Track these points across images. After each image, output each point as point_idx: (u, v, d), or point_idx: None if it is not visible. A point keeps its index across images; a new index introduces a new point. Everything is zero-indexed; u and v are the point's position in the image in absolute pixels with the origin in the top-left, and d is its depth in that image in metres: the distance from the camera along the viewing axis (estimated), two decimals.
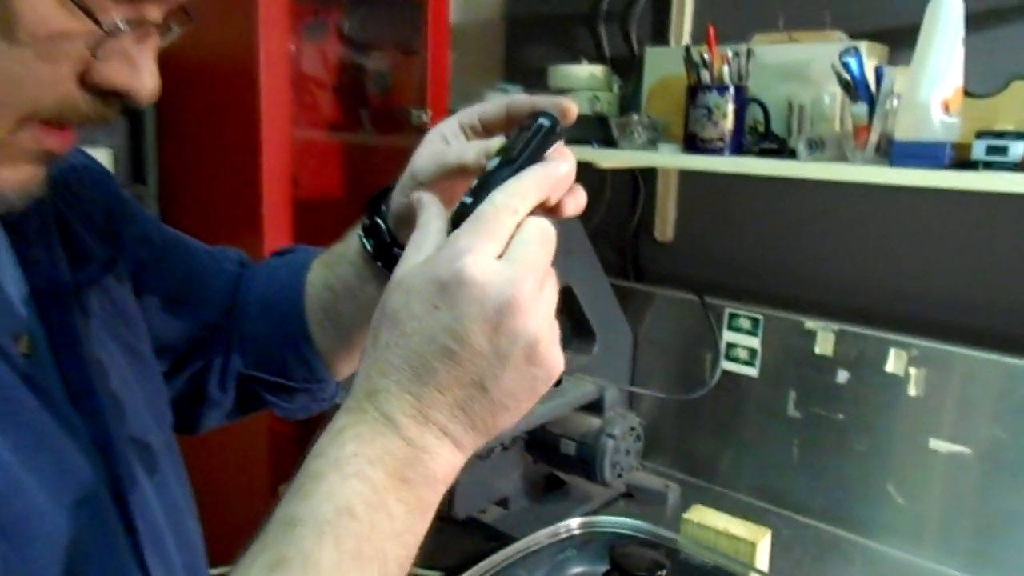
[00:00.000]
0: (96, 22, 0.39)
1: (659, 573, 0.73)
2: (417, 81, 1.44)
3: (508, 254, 0.43)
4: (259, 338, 0.70)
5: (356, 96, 1.56)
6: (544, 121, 0.48)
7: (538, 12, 1.72)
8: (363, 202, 0.64)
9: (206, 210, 1.35)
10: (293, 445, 1.27)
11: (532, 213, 0.46)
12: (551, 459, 1.27)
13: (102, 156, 1.33)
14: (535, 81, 1.52)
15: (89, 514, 0.47)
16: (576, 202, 0.50)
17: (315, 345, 0.68)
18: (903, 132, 1.01)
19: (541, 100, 0.52)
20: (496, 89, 1.46)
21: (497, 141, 0.51)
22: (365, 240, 0.62)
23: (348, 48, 1.54)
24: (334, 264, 0.66)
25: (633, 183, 1.58)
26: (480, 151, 0.52)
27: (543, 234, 0.45)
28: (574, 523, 0.93)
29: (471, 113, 0.57)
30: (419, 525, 0.43)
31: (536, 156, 0.48)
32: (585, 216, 1.57)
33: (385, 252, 0.61)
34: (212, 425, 0.73)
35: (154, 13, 0.42)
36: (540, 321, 0.43)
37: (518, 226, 0.44)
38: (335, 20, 1.50)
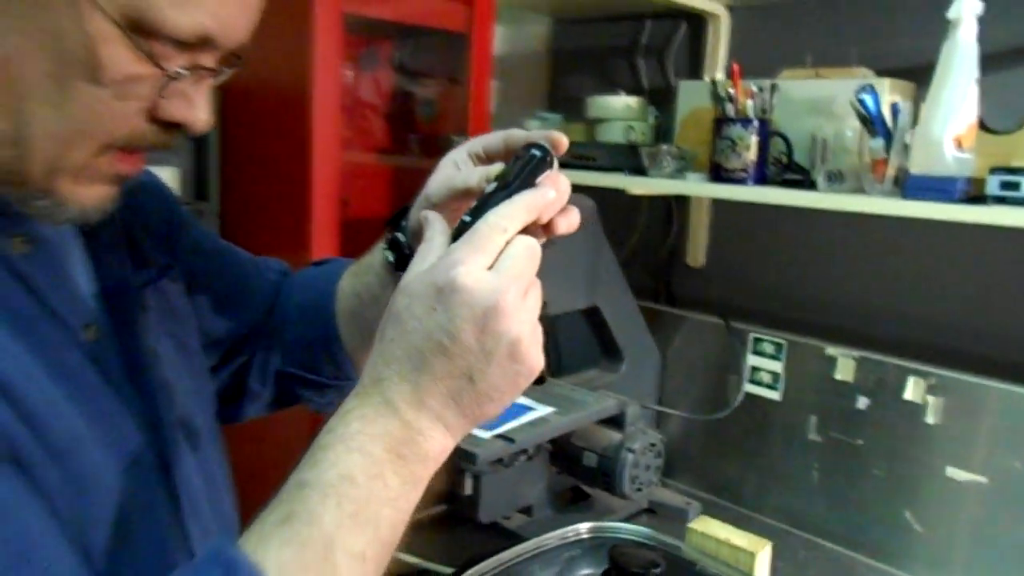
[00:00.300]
0: (162, 69, 0.48)
1: (654, 571, 0.78)
2: (461, 109, 1.53)
3: (497, 266, 0.51)
4: (295, 338, 0.78)
5: (405, 122, 1.65)
6: (536, 152, 0.56)
7: (581, 45, 1.80)
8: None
9: (261, 226, 1.45)
10: None
11: (527, 231, 0.54)
12: (574, 470, 1.32)
13: (169, 175, 1.43)
14: (575, 110, 1.60)
15: (138, 479, 0.55)
16: (568, 221, 0.58)
17: (344, 346, 0.76)
18: (917, 166, 1.04)
19: (535, 133, 0.59)
20: (535, 118, 1.54)
21: (497, 167, 0.58)
22: (387, 252, 0.69)
23: (398, 77, 1.63)
24: (361, 274, 0.74)
25: (667, 210, 1.63)
26: (482, 176, 0.59)
27: (528, 250, 0.52)
28: (583, 527, 0.98)
29: (477, 143, 0.64)
30: (411, 495, 0.50)
31: (529, 182, 0.55)
32: (619, 241, 1.63)
33: (405, 263, 0.68)
34: (252, 415, 0.82)
35: (209, 60, 0.51)
36: (522, 325, 0.50)
37: (508, 243, 0.52)
38: (387, 51, 1.60)
